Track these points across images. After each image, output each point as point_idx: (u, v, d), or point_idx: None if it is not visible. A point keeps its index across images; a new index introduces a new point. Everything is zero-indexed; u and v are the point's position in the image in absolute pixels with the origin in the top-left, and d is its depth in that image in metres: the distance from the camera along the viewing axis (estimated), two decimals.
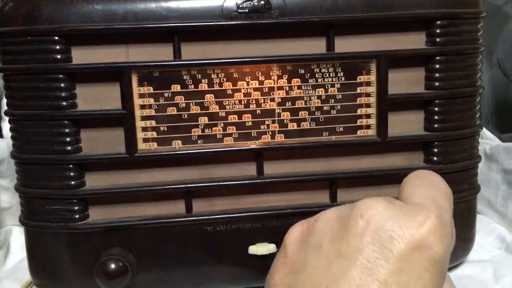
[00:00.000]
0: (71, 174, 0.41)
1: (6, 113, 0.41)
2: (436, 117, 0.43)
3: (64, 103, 0.39)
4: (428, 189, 0.30)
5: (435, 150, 0.43)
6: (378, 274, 0.25)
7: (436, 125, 0.43)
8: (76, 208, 0.41)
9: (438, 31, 0.41)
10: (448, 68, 0.42)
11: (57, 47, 0.39)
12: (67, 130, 0.40)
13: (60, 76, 0.39)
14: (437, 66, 0.42)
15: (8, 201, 0.56)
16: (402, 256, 0.25)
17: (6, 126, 0.61)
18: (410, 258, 0.25)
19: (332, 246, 0.27)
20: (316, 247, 0.28)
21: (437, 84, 0.42)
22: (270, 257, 0.43)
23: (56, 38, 0.39)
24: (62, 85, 0.39)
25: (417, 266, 0.25)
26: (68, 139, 0.40)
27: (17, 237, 0.56)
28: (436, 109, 0.43)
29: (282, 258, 0.30)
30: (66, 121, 0.40)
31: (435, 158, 0.43)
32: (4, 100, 0.64)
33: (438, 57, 0.42)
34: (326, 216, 0.29)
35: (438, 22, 0.41)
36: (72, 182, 0.41)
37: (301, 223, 0.31)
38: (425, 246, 0.26)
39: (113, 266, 0.40)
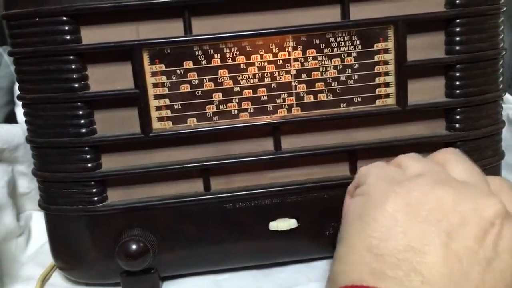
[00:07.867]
0: (87, 156, 0.40)
1: (19, 98, 0.41)
2: (457, 83, 0.41)
3: (76, 85, 0.39)
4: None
5: (457, 116, 0.42)
6: (459, 242, 0.26)
7: (457, 91, 0.41)
8: (94, 190, 0.41)
9: None
10: (469, 30, 0.40)
11: (66, 28, 0.38)
12: (80, 112, 0.39)
13: (71, 57, 0.38)
14: (458, 29, 0.40)
15: (26, 186, 0.56)
16: (478, 234, 0.26)
17: (21, 112, 0.61)
18: (484, 236, 0.26)
19: (421, 208, 0.28)
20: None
21: (458, 48, 0.41)
22: (291, 233, 0.43)
23: (64, 18, 0.38)
24: (73, 66, 0.39)
25: (489, 245, 0.26)
26: (82, 121, 0.40)
27: (38, 222, 0.56)
28: (458, 74, 0.41)
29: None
30: (79, 103, 0.39)
31: (457, 125, 0.42)
32: (17, 85, 0.64)
33: (458, 20, 0.40)
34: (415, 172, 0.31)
35: None
36: (89, 165, 0.40)
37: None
38: (497, 224, 0.27)
39: (134, 246, 0.40)
